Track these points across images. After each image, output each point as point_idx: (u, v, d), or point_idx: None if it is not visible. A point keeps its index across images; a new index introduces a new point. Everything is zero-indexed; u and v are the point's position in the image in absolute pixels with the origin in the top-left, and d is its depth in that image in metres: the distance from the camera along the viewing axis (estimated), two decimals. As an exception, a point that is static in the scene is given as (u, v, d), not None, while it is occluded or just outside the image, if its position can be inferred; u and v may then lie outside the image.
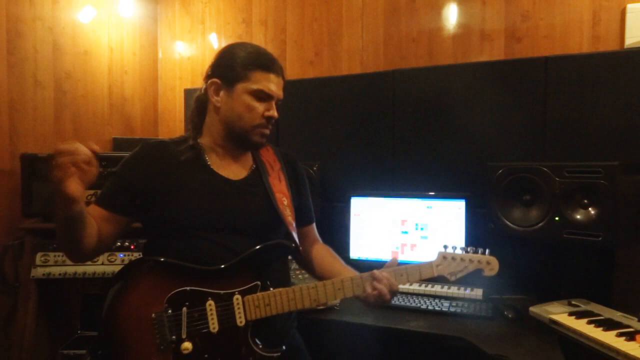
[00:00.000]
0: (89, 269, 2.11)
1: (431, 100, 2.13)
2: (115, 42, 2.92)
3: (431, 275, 1.30)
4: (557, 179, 1.60)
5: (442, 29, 2.60)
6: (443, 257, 1.30)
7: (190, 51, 3.22)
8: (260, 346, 1.20)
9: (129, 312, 1.17)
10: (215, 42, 3.15)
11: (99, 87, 2.80)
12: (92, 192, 2.13)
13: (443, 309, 1.68)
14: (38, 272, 2.08)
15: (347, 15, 2.80)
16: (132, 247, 2.14)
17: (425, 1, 2.63)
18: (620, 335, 1.29)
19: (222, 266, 1.20)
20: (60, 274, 2.09)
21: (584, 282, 1.75)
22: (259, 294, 1.20)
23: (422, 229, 1.99)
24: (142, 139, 2.82)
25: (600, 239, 1.50)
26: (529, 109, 1.96)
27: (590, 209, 1.56)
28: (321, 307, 1.69)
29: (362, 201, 2.09)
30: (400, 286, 1.86)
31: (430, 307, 1.70)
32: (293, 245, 1.28)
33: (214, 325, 1.17)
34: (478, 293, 1.79)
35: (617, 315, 1.45)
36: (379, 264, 2.07)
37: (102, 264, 2.12)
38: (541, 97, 1.93)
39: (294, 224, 1.35)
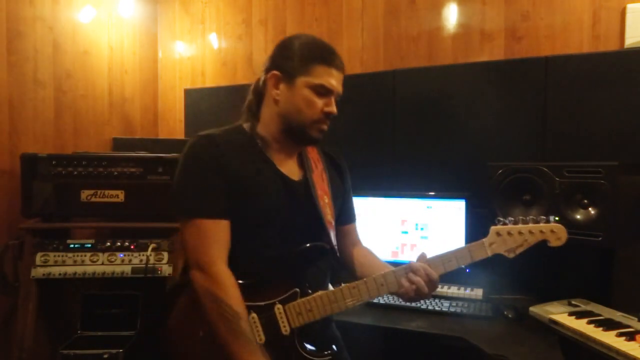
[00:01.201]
0: (88, 269, 2.11)
1: (431, 100, 2.13)
2: (115, 42, 2.91)
3: (485, 255, 1.18)
4: (557, 179, 1.61)
5: (442, 29, 2.60)
6: (496, 233, 1.17)
7: (190, 51, 3.22)
8: (310, 351, 1.18)
9: (178, 334, 1.18)
10: (215, 42, 3.15)
11: (99, 87, 2.80)
12: (92, 191, 2.14)
13: (443, 309, 1.68)
14: (38, 272, 2.08)
15: (347, 15, 2.80)
16: (132, 246, 2.13)
17: (425, 1, 2.63)
18: (620, 335, 1.29)
19: (259, 278, 1.17)
20: (60, 274, 2.09)
21: (584, 282, 1.75)
22: (299, 300, 1.17)
23: (422, 229, 1.99)
24: (142, 139, 2.84)
25: (600, 239, 1.50)
26: (529, 109, 1.96)
27: (590, 209, 1.56)
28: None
29: (362, 201, 2.09)
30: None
31: (430, 307, 1.71)
32: (329, 247, 1.24)
33: (260, 337, 1.15)
34: (478, 293, 1.80)
35: (617, 315, 1.45)
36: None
37: (102, 263, 2.12)
38: (541, 97, 1.93)
39: (333, 223, 1.31)
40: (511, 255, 1.17)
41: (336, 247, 1.29)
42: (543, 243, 1.18)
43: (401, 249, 2.01)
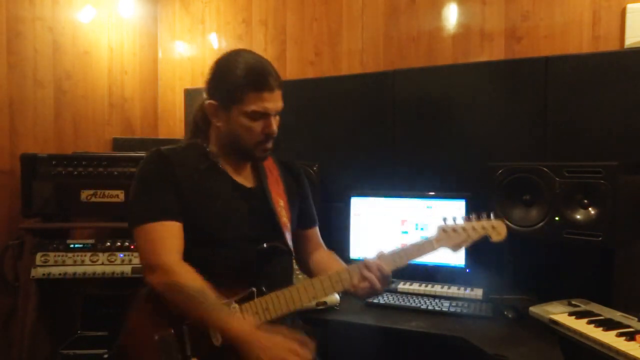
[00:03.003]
0: (88, 269, 2.11)
1: (431, 100, 2.13)
2: (115, 42, 2.92)
3: (432, 250, 1.27)
4: (557, 179, 1.60)
5: (442, 29, 2.60)
6: (443, 230, 1.27)
7: (190, 51, 3.22)
8: None
9: (135, 340, 1.18)
10: (215, 42, 3.15)
11: (99, 87, 2.80)
12: (92, 191, 2.14)
13: (443, 309, 1.68)
14: (38, 272, 2.08)
15: (347, 15, 2.80)
16: (132, 247, 2.13)
17: (425, 1, 2.63)
18: (620, 335, 1.29)
19: (216, 280, 1.19)
20: (60, 274, 2.09)
21: (584, 282, 1.75)
22: (256, 300, 1.19)
23: (422, 229, 1.99)
24: (142, 139, 2.84)
25: (600, 239, 1.50)
26: (529, 109, 1.96)
27: (590, 209, 1.55)
28: (321, 307, 1.69)
29: (362, 201, 2.09)
30: (400, 286, 1.88)
31: (430, 307, 1.70)
32: (285, 247, 1.30)
33: (216, 338, 1.15)
34: (478, 293, 1.79)
35: (617, 315, 1.45)
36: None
37: (102, 264, 2.12)
38: (541, 97, 1.93)
39: (288, 226, 1.36)
40: (457, 250, 1.27)
41: (292, 247, 1.35)
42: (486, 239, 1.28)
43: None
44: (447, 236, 1.26)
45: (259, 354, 1.06)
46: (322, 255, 1.47)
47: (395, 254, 1.27)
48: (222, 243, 1.24)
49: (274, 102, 1.26)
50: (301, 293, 1.21)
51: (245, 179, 1.36)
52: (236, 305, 1.18)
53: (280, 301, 1.20)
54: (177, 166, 1.26)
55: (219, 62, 1.30)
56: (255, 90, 1.23)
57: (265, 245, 1.26)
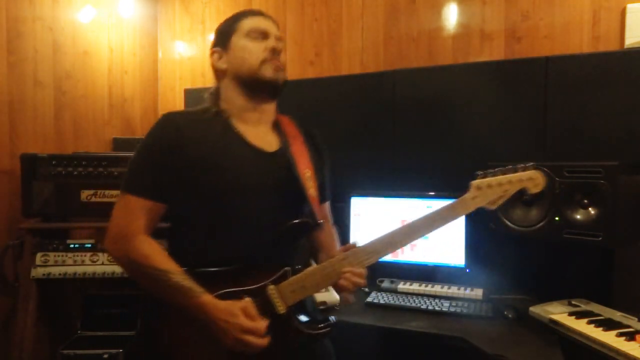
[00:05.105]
0: (88, 269, 2.11)
1: (431, 100, 2.13)
2: (115, 42, 2.91)
3: (468, 211, 1.18)
4: (557, 179, 1.60)
5: (442, 29, 2.60)
6: (477, 187, 1.18)
7: (190, 51, 3.22)
8: (308, 324, 1.18)
9: (173, 329, 1.16)
10: (215, 42, 3.15)
11: (99, 87, 2.80)
12: (92, 191, 2.14)
13: (443, 309, 1.68)
14: (38, 272, 2.08)
15: (347, 15, 2.80)
16: (132, 247, 2.13)
17: (425, 1, 2.63)
18: (620, 335, 1.29)
19: (245, 263, 1.15)
20: (60, 274, 2.09)
21: (584, 282, 1.75)
22: (292, 278, 1.16)
23: (422, 229, 1.99)
24: (143, 139, 2.83)
25: (600, 239, 1.50)
26: (529, 109, 1.96)
27: (590, 209, 1.55)
28: (321, 307, 1.69)
29: (362, 201, 2.09)
30: (400, 286, 1.88)
31: (430, 307, 1.70)
32: (314, 223, 1.22)
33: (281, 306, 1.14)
34: (478, 293, 1.79)
35: (617, 315, 1.45)
36: (378, 264, 2.06)
37: (102, 264, 2.12)
38: (541, 97, 1.93)
39: (317, 198, 1.27)
40: (494, 207, 1.17)
41: (321, 222, 1.25)
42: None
43: (401, 249, 2.01)
44: (482, 193, 1.17)
45: (218, 336, 1.07)
46: (326, 233, 1.42)
47: (429, 219, 1.20)
48: (245, 216, 1.18)
49: (270, 26, 1.30)
50: (335, 267, 1.17)
51: (264, 143, 1.26)
52: (273, 287, 1.14)
53: (317, 277, 1.16)
54: (188, 131, 1.19)
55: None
56: (248, 16, 1.30)
57: (296, 221, 1.19)
